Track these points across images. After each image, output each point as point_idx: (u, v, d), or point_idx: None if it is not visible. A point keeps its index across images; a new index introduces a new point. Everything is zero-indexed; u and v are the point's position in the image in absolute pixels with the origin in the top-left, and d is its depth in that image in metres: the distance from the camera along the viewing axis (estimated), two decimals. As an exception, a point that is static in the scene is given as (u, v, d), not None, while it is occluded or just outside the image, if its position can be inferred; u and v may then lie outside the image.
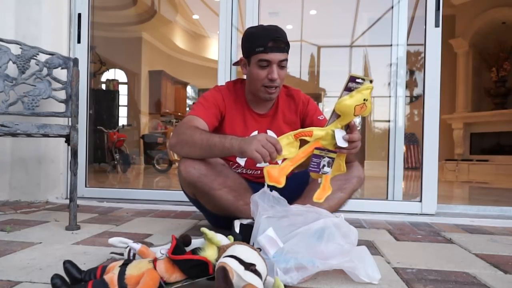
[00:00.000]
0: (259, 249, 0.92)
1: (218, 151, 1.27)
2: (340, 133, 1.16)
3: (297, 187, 1.51)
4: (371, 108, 1.14)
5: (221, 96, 1.52)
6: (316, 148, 1.16)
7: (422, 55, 2.17)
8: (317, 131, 1.16)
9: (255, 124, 1.53)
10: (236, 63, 1.60)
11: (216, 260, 0.85)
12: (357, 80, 1.10)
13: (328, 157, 1.17)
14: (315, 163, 1.17)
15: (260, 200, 1.13)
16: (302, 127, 1.55)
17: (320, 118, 1.57)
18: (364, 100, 1.09)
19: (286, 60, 1.42)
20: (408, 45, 2.28)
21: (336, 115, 1.15)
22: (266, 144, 1.13)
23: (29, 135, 1.64)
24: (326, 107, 7.00)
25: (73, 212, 1.56)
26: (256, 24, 2.24)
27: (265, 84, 1.42)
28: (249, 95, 1.54)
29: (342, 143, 1.15)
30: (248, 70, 1.47)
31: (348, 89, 1.11)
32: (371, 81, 1.11)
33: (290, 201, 1.39)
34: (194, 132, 1.32)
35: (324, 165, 1.18)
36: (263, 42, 1.38)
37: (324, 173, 1.19)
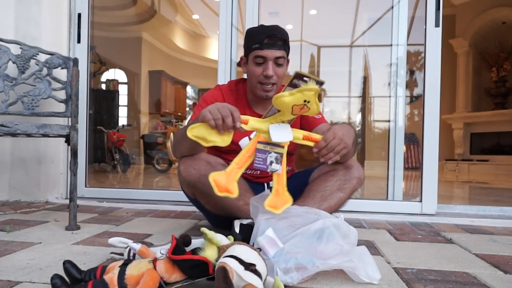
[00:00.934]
0: (259, 249, 0.92)
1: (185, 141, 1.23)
2: (276, 128, 1.06)
3: (296, 188, 1.51)
4: (318, 109, 1.04)
5: (221, 94, 1.53)
6: (259, 142, 1.06)
7: (422, 55, 2.17)
8: (253, 121, 1.07)
9: None
10: (238, 63, 1.60)
11: (216, 260, 0.85)
12: (304, 78, 1.01)
13: (275, 152, 1.07)
14: (260, 159, 1.06)
15: (259, 203, 1.13)
16: (300, 126, 1.55)
17: (317, 117, 1.55)
18: (305, 101, 0.99)
19: (284, 57, 1.42)
20: (408, 45, 2.28)
21: (274, 108, 1.06)
22: (222, 108, 1.04)
23: (29, 135, 1.64)
24: (326, 107, 7.00)
25: (73, 212, 1.56)
26: (256, 24, 2.25)
27: (260, 80, 1.43)
28: (250, 94, 1.54)
29: (278, 138, 1.05)
30: (247, 68, 1.48)
31: (292, 85, 1.01)
32: (321, 83, 1.01)
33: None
34: (178, 131, 1.34)
35: (271, 162, 1.06)
36: (259, 39, 1.39)
37: (273, 171, 1.07)
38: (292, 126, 1.49)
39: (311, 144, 1.14)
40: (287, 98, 0.99)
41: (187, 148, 1.33)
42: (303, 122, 1.57)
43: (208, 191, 1.35)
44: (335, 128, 1.17)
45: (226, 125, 1.02)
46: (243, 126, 1.06)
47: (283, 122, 1.08)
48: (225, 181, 1.02)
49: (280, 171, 1.09)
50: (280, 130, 1.07)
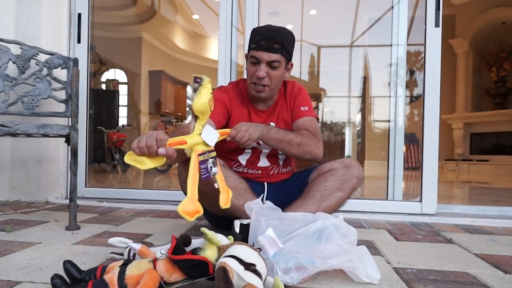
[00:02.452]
0: (259, 249, 0.92)
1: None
2: (207, 134, 1.12)
3: (296, 187, 1.51)
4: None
5: (228, 95, 1.54)
6: (199, 155, 1.10)
7: (422, 55, 2.17)
8: (190, 139, 1.10)
9: (257, 119, 1.55)
10: None
11: (216, 260, 0.85)
12: (198, 80, 1.10)
13: (211, 157, 1.14)
14: (204, 169, 1.11)
15: (256, 207, 1.14)
16: (291, 120, 1.57)
17: (303, 109, 1.55)
18: (211, 93, 1.11)
19: (278, 61, 1.41)
20: (408, 45, 2.28)
21: (195, 117, 1.12)
22: (150, 137, 1.04)
23: (29, 135, 1.64)
24: (326, 107, 7.00)
25: (73, 212, 1.56)
26: (256, 25, 2.25)
27: (253, 80, 1.44)
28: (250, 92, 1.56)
29: (213, 141, 1.13)
30: (246, 67, 1.50)
31: (194, 90, 1.11)
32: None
33: (289, 202, 1.40)
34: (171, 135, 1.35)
35: (211, 167, 1.13)
36: (257, 39, 1.40)
37: (214, 174, 1.14)
38: (282, 118, 1.51)
39: (225, 136, 1.25)
40: (203, 98, 1.07)
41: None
42: (291, 113, 1.59)
43: (208, 191, 1.36)
44: (244, 123, 1.32)
45: (151, 153, 1.03)
46: (183, 147, 1.08)
47: (202, 125, 1.14)
48: (193, 206, 1.02)
49: (218, 172, 1.16)
50: (209, 133, 1.13)
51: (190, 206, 1.01)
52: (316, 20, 5.96)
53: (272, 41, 1.39)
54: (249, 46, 1.46)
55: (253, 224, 1.11)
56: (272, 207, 1.19)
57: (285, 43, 1.41)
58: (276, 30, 1.41)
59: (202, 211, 1.02)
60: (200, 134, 1.11)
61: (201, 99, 1.07)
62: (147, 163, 1.03)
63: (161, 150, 1.01)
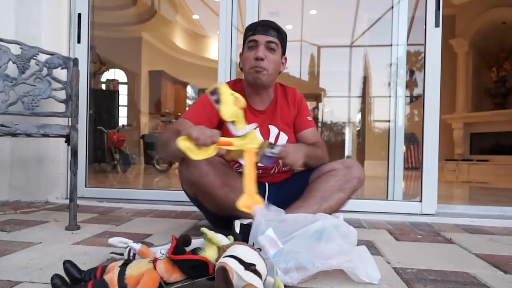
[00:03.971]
0: (259, 249, 0.92)
1: (170, 146, 1.25)
2: (245, 130, 1.21)
3: (297, 188, 1.51)
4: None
5: None
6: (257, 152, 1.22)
7: (422, 55, 2.17)
8: (237, 141, 1.20)
9: (254, 119, 1.53)
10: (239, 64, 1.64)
11: (216, 260, 0.85)
12: (212, 92, 1.17)
13: (265, 146, 1.24)
14: (266, 158, 1.23)
15: (258, 208, 1.15)
16: (293, 125, 1.61)
17: (309, 119, 1.63)
18: (231, 94, 1.17)
19: (275, 43, 1.47)
20: (408, 45, 2.28)
21: (232, 124, 1.19)
22: (201, 131, 1.10)
23: (29, 135, 1.64)
24: (326, 107, 7.00)
25: (73, 212, 1.56)
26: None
27: (252, 65, 1.46)
28: (248, 89, 1.56)
29: (259, 136, 1.25)
30: (242, 59, 1.53)
31: (216, 102, 1.17)
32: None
33: (291, 202, 1.40)
34: (163, 133, 1.37)
35: (270, 151, 1.25)
36: (253, 26, 1.49)
37: (275, 153, 1.26)
38: (285, 122, 1.58)
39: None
40: (230, 107, 1.15)
41: (172, 153, 1.31)
42: (296, 122, 1.62)
43: (209, 190, 1.36)
44: (290, 145, 1.36)
45: (200, 145, 1.09)
46: (229, 147, 1.18)
47: (240, 127, 1.21)
48: (252, 201, 1.16)
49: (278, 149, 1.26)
50: (249, 129, 1.22)
51: (249, 200, 1.15)
52: (316, 20, 5.96)
53: (269, 26, 1.47)
54: (245, 36, 1.52)
55: (255, 225, 1.11)
56: (275, 209, 1.19)
57: (281, 31, 1.49)
58: (271, 21, 1.51)
59: (261, 202, 1.14)
60: (244, 135, 1.19)
61: (226, 107, 1.14)
62: (197, 154, 1.11)
63: (222, 151, 1.15)
